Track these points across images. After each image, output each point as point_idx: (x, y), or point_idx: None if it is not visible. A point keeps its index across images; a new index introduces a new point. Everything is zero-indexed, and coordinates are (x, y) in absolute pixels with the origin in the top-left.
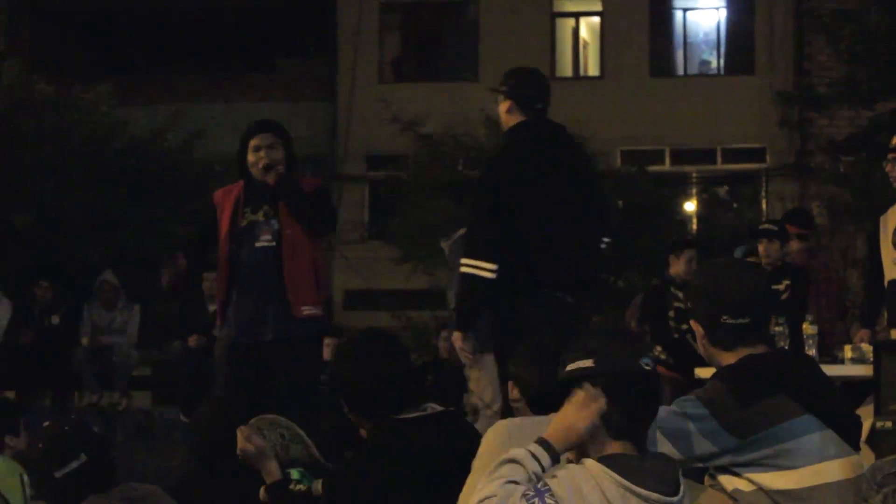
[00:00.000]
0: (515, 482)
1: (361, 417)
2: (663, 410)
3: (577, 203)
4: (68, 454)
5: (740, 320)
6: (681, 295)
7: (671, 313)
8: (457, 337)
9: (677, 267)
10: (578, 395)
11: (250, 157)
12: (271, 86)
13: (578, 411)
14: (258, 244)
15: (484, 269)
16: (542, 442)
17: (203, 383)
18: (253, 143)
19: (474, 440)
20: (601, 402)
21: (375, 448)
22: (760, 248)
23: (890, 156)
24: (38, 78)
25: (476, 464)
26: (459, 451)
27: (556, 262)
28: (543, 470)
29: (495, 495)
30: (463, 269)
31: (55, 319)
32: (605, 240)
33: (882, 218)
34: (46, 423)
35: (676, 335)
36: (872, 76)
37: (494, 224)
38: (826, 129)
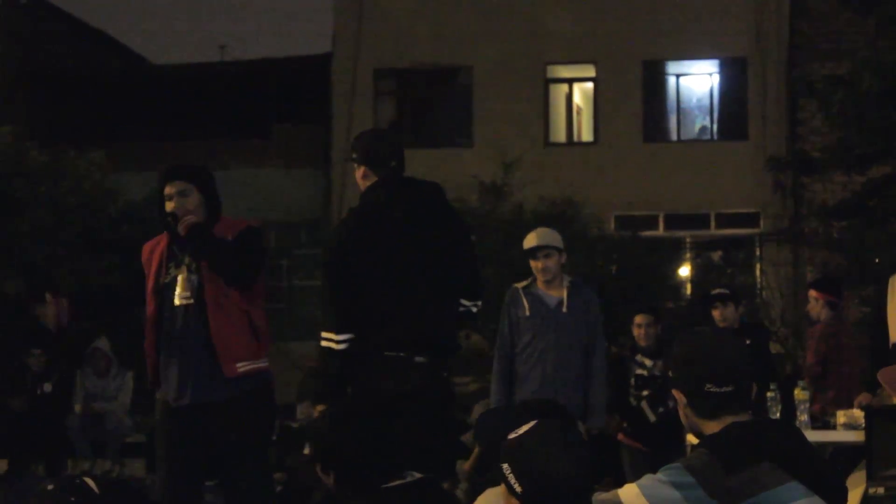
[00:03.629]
0: None
1: (348, 489)
2: (648, 479)
3: (432, 262)
4: None
5: (725, 388)
6: (647, 362)
7: (632, 381)
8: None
9: (635, 332)
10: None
11: (166, 208)
12: (266, 152)
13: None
14: (177, 301)
15: (333, 340)
16: None
17: None
18: (165, 191)
19: None
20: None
21: None
22: (716, 314)
23: None
24: (32, 145)
25: None
26: None
27: (407, 323)
28: None
29: None
30: (322, 343)
31: (48, 387)
32: (473, 303)
33: (892, 278)
34: (50, 487)
35: (635, 403)
36: (865, 141)
37: (344, 290)
38: (819, 194)
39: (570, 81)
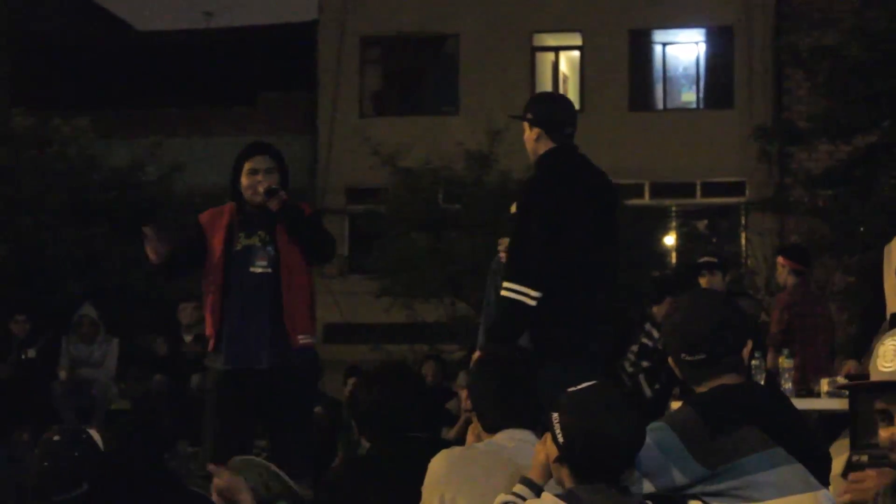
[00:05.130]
0: None
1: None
2: None
3: (608, 235)
4: (72, 481)
5: (697, 356)
6: (655, 333)
7: (634, 348)
8: None
9: (660, 311)
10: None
11: (245, 180)
12: (252, 119)
13: (541, 445)
14: (253, 269)
15: (529, 295)
16: (523, 479)
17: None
18: (248, 165)
19: None
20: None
21: (370, 456)
22: (703, 282)
23: None
24: (17, 111)
25: (424, 492)
26: None
27: (595, 296)
28: None
29: None
30: (504, 293)
31: (31, 353)
32: None
33: (886, 247)
34: (56, 438)
35: (630, 370)
36: (850, 111)
37: (545, 251)
38: (805, 163)
39: (557, 50)
